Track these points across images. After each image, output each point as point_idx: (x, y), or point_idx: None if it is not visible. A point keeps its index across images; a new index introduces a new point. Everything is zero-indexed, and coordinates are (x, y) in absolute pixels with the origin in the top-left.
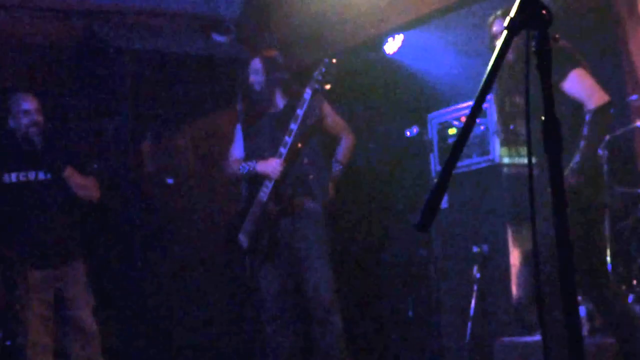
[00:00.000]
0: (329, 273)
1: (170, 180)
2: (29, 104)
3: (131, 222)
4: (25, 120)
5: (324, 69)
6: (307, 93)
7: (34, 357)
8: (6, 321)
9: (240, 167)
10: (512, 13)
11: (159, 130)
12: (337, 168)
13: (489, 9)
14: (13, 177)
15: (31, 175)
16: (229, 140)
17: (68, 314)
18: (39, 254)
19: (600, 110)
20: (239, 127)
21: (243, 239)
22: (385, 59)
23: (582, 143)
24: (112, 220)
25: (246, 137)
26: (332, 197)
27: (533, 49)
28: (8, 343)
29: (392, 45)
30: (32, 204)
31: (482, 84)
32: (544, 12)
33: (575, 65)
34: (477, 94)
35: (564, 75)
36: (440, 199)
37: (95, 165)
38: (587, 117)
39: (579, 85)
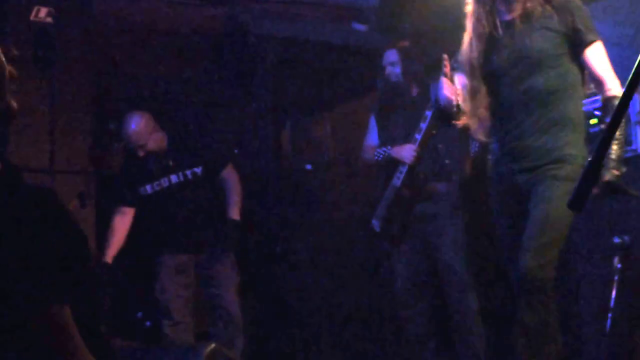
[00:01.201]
0: (461, 254)
1: (309, 167)
2: (136, 125)
3: (270, 209)
4: (131, 143)
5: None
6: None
7: (175, 335)
8: (146, 302)
9: (375, 153)
10: None
11: (298, 117)
12: (475, 147)
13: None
14: (148, 188)
15: (164, 182)
16: (366, 129)
17: (212, 292)
18: (181, 242)
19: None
20: (373, 117)
21: (376, 223)
22: None
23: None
24: (252, 208)
25: (381, 127)
26: (468, 174)
27: None
28: (148, 324)
29: None
30: (173, 207)
31: (634, 70)
32: None
33: (595, 38)
34: (629, 80)
35: (589, 43)
36: (593, 182)
37: (236, 151)
38: (613, 102)
39: (603, 60)
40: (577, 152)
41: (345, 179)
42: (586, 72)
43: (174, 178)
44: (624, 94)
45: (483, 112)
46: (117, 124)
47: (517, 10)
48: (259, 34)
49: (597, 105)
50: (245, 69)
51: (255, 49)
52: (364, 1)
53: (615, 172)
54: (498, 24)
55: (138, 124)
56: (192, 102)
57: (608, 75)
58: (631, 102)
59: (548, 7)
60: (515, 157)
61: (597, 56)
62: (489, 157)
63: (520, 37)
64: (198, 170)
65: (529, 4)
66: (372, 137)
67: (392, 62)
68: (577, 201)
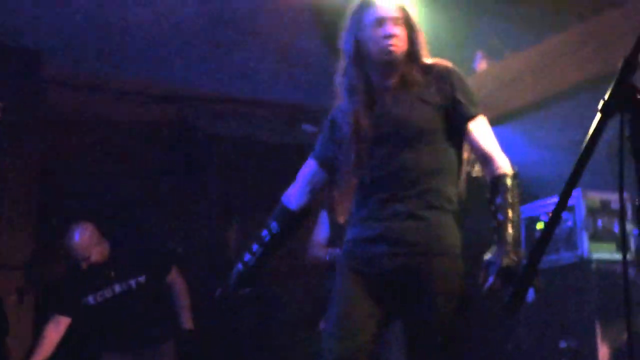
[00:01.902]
0: None
1: None
2: (79, 237)
3: (214, 305)
4: (76, 257)
5: None
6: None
7: None
8: None
9: (328, 253)
10: (606, 96)
11: (246, 216)
12: None
13: (578, 105)
14: (91, 300)
15: (108, 293)
16: (315, 225)
17: None
18: (120, 342)
19: (516, 176)
20: (324, 212)
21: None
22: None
23: (505, 213)
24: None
25: (332, 224)
26: None
27: (627, 133)
28: None
29: None
30: (117, 314)
31: (571, 172)
32: (638, 96)
33: (479, 111)
34: (566, 182)
35: (472, 117)
36: (527, 286)
37: (180, 249)
38: (504, 181)
39: (489, 136)
40: (453, 240)
41: (291, 276)
42: (467, 149)
43: (117, 288)
44: (560, 198)
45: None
46: (60, 219)
47: (394, 77)
48: (209, 133)
49: (544, 209)
50: (194, 167)
51: (205, 148)
52: (314, 103)
53: (513, 257)
54: (372, 90)
55: (82, 237)
56: (139, 200)
57: (495, 151)
58: (576, 207)
59: (428, 77)
60: (380, 242)
61: (481, 131)
62: (345, 240)
63: (394, 108)
64: (142, 278)
65: (406, 72)
66: (321, 233)
67: None
68: (513, 305)
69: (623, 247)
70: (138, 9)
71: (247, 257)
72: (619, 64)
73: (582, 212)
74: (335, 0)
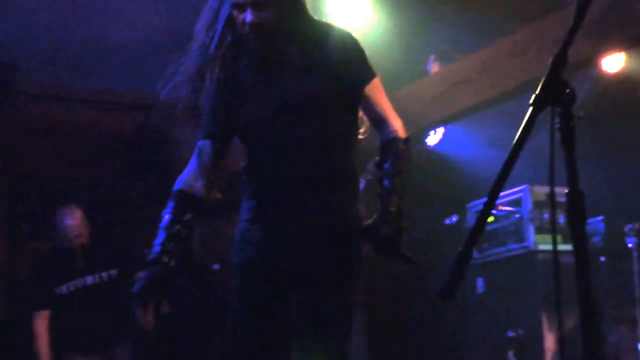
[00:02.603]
0: None
1: (216, 267)
2: (72, 217)
3: (178, 306)
4: (69, 235)
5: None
6: (361, 183)
7: None
8: None
9: None
10: (537, 90)
11: (211, 217)
12: None
13: (521, 103)
14: (64, 288)
15: (80, 283)
16: None
17: None
18: (84, 341)
19: (408, 141)
20: None
21: None
22: (427, 150)
23: (392, 180)
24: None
25: None
26: None
27: (557, 125)
28: None
29: (434, 137)
30: (83, 307)
31: (505, 162)
32: (567, 90)
33: (374, 73)
34: (499, 171)
35: (367, 80)
36: (462, 271)
37: (146, 251)
38: (396, 145)
39: (383, 98)
40: (354, 213)
41: None
42: (361, 115)
43: (89, 279)
44: (492, 188)
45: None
46: (29, 225)
47: (273, 51)
48: (176, 138)
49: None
50: (160, 172)
51: (171, 151)
52: None
53: (394, 227)
54: (244, 67)
55: (74, 216)
56: (106, 204)
57: (390, 113)
58: (523, 201)
59: (312, 44)
60: (279, 225)
61: (375, 94)
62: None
63: (280, 82)
64: (113, 272)
65: (283, 41)
66: None
67: None
68: (448, 289)
69: (553, 237)
70: (109, 23)
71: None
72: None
73: (528, 205)
74: None
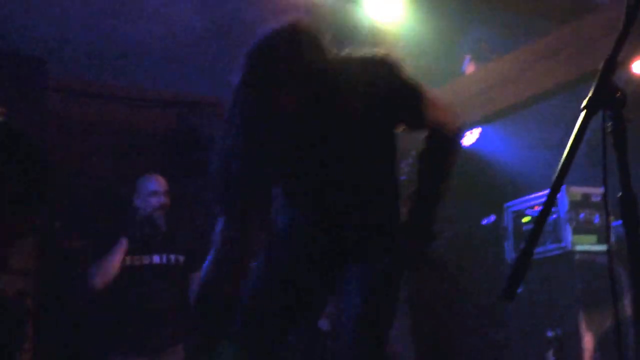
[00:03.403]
0: None
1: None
2: (157, 185)
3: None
4: (152, 202)
5: (411, 161)
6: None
7: None
8: None
9: None
10: (590, 94)
11: None
12: None
13: (558, 106)
14: (128, 260)
15: (146, 260)
16: None
17: None
18: (140, 340)
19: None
20: None
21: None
22: (464, 149)
23: (429, 187)
24: None
25: None
26: None
27: (609, 129)
28: None
29: (470, 137)
30: (141, 290)
31: (559, 166)
32: (618, 93)
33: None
34: (554, 178)
35: (419, 101)
36: (524, 271)
37: None
38: (442, 144)
39: (434, 104)
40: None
41: None
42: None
43: (156, 258)
44: (551, 191)
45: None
46: (63, 222)
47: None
48: (210, 135)
49: (528, 204)
50: (195, 168)
51: (206, 149)
52: None
53: (412, 242)
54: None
55: (160, 183)
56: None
57: (441, 114)
58: (560, 201)
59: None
60: (333, 225)
61: (427, 106)
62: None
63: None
64: (181, 258)
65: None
66: None
67: None
68: (510, 290)
69: (607, 235)
70: (143, 21)
71: None
72: (595, 67)
73: (565, 205)
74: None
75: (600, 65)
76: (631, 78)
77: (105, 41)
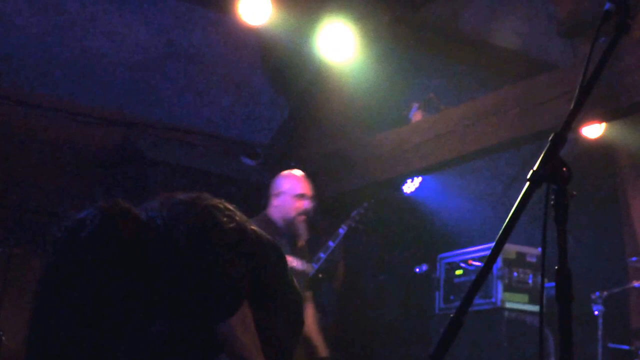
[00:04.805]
0: None
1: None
2: (306, 188)
3: None
4: (297, 205)
5: (362, 211)
6: (343, 229)
7: None
8: None
9: None
10: (536, 166)
11: None
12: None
13: (500, 162)
14: None
15: (291, 262)
16: None
17: None
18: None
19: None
20: None
21: None
22: (403, 197)
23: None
24: None
25: None
26: None
27: (552, 202)
28: None
29: (411, 185)
30: None
31: (501, 232)
32: (564, 169)
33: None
34: (496, 240)
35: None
36: (454, 335)
37: None
38: None
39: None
40: None
41: None
42: None
43: (298, 264)
44: (493, 249)
45: None
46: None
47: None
48: (152, 158)
49: (462, 257)
50: (134, 190)
51: (148, 171)
52: (255, 138)
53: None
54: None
55: (307, 187)
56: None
57: None
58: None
59: None
60: None
61: None
62: None
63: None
64: (316, 266)
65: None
66: None
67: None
68: (438, 353)
69: (540, 298)
70: (95, 37)
71: None
72: (542, 128)
73: (498, 262)
74: (282, 42)
75: (550, 138)
76: (579, 139)
77: (54, 54)
